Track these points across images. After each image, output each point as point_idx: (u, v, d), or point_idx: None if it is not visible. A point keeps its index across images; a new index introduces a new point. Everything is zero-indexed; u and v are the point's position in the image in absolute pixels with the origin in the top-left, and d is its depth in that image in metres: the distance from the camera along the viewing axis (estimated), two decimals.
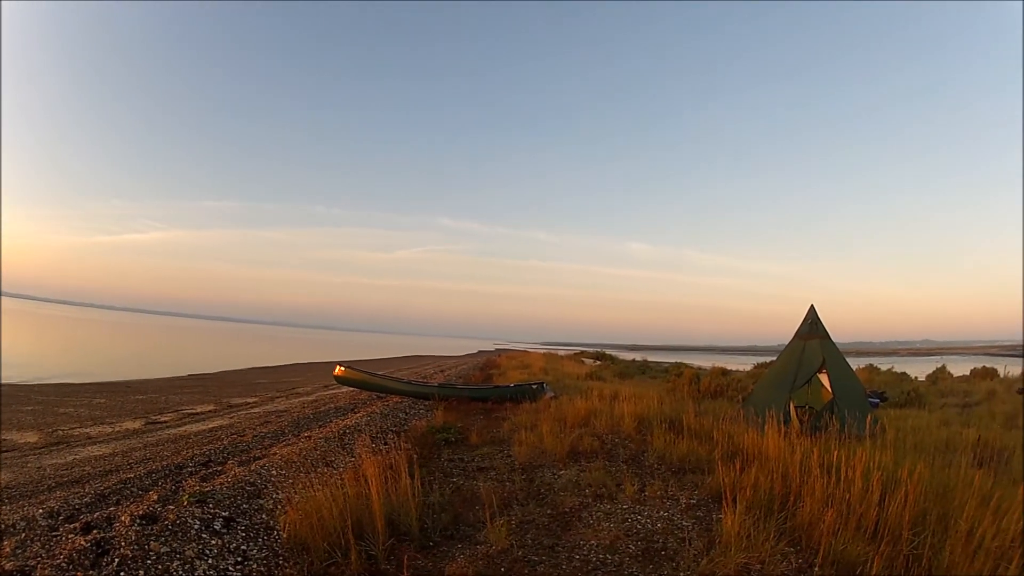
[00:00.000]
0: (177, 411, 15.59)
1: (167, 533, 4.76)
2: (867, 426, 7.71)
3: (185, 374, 27.80)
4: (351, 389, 17.65)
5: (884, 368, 28.57)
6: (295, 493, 6.08)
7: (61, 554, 4.32)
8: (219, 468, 7.64)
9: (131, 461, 8.83)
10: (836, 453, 5.81)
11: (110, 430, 12.32)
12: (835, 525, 4.93)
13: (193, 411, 15.78)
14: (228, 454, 8.78)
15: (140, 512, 5.20)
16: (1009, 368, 25.56)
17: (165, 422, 13.56)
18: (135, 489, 6.82)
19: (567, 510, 6.22)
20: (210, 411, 15.89)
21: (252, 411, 15.56)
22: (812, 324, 11.40)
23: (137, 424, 13.15)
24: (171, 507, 5.41)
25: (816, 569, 4.63)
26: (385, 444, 8.92)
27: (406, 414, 13.06)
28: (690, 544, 5.19)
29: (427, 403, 14.80)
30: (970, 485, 5.20)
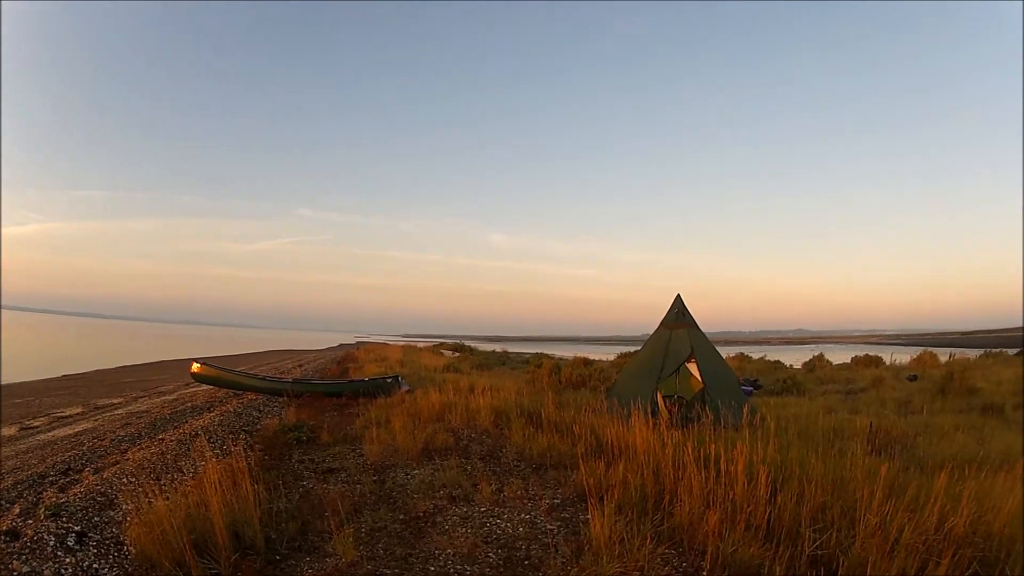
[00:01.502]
0: (48, 415, 15.00)
1: (27, 551, 4.65)
2: (744, 415, 7.53)
3: (59, 375, 26.74)
4: (210, 387, 17.15)
5: (756, 356, 29.14)
6: (142, 503, 5.69)
7: None
8: (76, 476, 7.36)
9: (3, 471, 8.39)
10: (713, 446, 5.47)
11: None
12: (720, 526, 4.66)
13: (63, 414, 15.22)
14: (87, 460, 8.41)
15: (4, 528, 5.10)
16: (896, 356, 26.34)
17: (37, 427, 13.11)
18: (4, 501, 6.43)
19: (420, 515, 5.82)
20: (78, 414, 15.34)
21: (116, 412, 15.03)
22: (679, 313, 11.33)
23: (12, 430, 12.67)
24: (30, 522, 5.27)
25: (704, 574, 4.38)
26: (235, 445, 8.60)
27: (260, 412, 12.76)
28: (557, 551, 4.84)
29: (282, 399, 14.45)
30: (874, 475, 4.92)
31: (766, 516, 4.82)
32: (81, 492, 6.16)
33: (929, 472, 5.95)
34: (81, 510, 5.62)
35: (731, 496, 4.99)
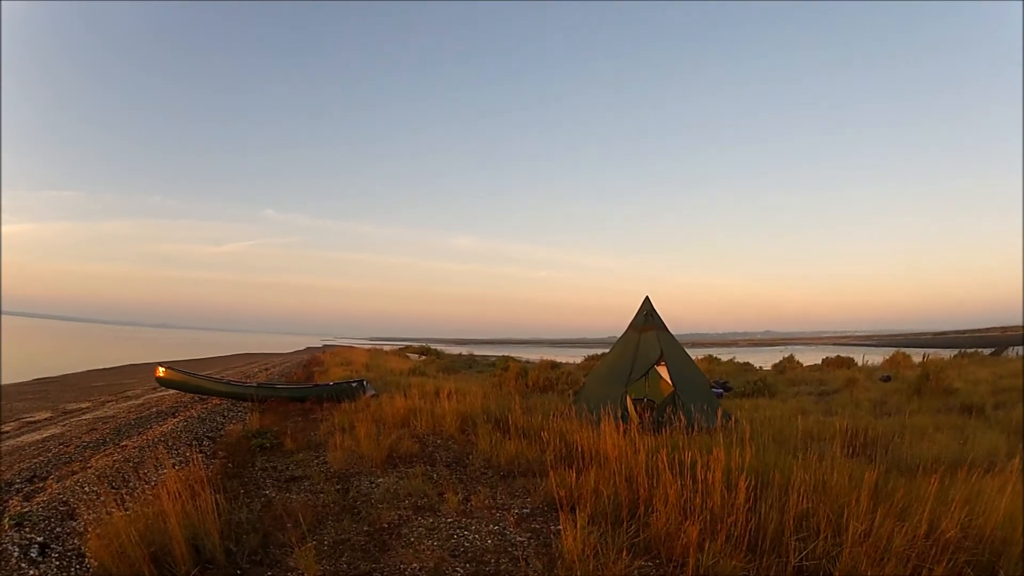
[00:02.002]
0: (19, 419, 14.73)
1: None
2: (718, 419, 7.42)
3: (31, 379, 26.40)
4: (176, 391, 16.94)
5: (724, 358, 29.18)
6: (102, 514, 5.49)
7: None
8: (41, 484, 7.26)
9: None
10: (688, 453, 5.29)
11: None
12: (700, 536, 4.47)
13: (32, 419, 14.93)
14: (52, 467, 8.30)
15: None
16: (868, 357, 26.37)
17: (7, 432, 12.85)
18: None
19: (385, 526, 5.62)
20: (47, 419, 15.08)
21: (83, 417, 14.81)
22: (647, 315, 11.27)
23: None
24: None
25: None
26: (196, 453, 8.33)
27: (224, 418, 12.59)
28: (528, 564, 4.64)
29: (247, 404, 14.36)
30: (858, 480, 4.83)
31: (748, 526, 4.63)
32: (44, 501, 6.02)
33: (913, 475, 5.86)
34: (44, 520, 5.49)
35: (710, 505, 4.79)
